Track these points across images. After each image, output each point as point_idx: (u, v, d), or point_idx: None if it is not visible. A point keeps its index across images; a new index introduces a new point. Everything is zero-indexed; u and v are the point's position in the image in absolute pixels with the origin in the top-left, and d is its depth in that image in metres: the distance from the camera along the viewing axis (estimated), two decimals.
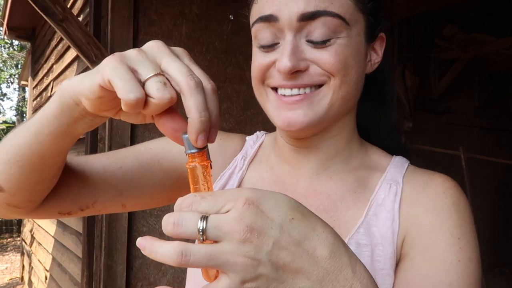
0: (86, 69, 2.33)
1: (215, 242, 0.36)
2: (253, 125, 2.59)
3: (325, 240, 0.38)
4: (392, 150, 0.66)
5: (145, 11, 2.30)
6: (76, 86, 0.43)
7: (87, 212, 0.64)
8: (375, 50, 0.62)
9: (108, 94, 0.41)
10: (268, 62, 0.56)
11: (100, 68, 0.41)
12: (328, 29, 0.54)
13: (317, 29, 0.54)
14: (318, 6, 0.53)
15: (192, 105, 0.38)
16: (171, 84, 0.39)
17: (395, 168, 0.62)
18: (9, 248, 7.97)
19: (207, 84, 0.40)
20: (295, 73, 0.54)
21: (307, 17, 0.53)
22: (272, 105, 0.58)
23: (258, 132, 0.73)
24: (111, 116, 0.46)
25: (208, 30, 2.49)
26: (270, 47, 0.56)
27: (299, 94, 0.55)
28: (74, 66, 2.80)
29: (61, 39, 3.18)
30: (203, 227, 0.35)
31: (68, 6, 2.51)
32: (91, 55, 2.06)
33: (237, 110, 2.57)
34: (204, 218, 0.36)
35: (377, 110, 0.68)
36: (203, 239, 0.36)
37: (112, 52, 2.17)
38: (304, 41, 0.55)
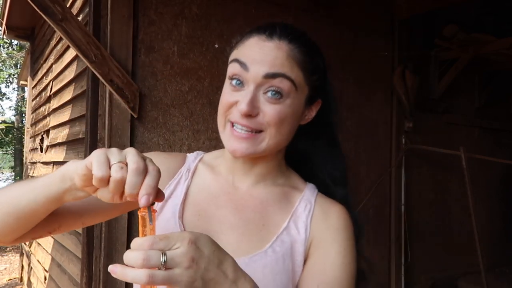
0: (86, 68, 2.32)
1: (170, 268, 0.54)
2: None
3: (231, 263, 0.61)
4: (334, 179, 0.89)
5: (144, 11, 2.29)
6: (73, 166, 0.63)
7: (53, 233, 0.80)
8: (311, 109, 0.83)
9: (90, 173, 0.60)
10: (232, 101, 0.76)
11: (90, 157, 0.61)
12: (282, 87, 0.74)
13: (275, 85, 0.73)
14: (279, 69, 0.74)
15: (129, 187, 0.59)
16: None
17: (309, 191, 0.86)
18: (8, 249, 7.96)
19: (153, 168, 0.61)
20: (248, 116, 0.74)
21: (269, 76, 0.73)
22: (226, 134, 0.78)
23: (197, 151, 0.93)
24: (91, 193, 0.65)
25: (208, 30, 2.48)
26: (237, 86, 0.76)
27: (246, 132, 0.75)
28: (74, 66, 2.80)
29: (61, 39, 3.17)
30: (164, 260, 0.54)
31: (68, 5, 2.50)
32: (91, 54, 2.05)
33: None
34: (164, 254, 0.54)
35: (326, 146, 0.91)
36: (164, 268, 0.54)
37: (111, 52, 2.16)
38: (262, 93, 0.74)
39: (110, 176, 0.59)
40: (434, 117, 3.70)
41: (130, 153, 0.61)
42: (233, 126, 0.77)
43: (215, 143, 2.43)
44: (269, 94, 0.74)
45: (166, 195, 0.80)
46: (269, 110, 0.74)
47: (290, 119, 0.77)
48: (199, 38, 2.45)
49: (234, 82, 0.76)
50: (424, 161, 3.63)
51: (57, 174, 0.66)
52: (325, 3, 2.96)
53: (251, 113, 0.73)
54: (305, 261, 0.80)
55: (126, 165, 0.60)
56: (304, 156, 0.91)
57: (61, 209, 0.76)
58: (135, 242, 0.56)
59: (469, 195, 3.22)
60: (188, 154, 0.91)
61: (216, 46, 2.49)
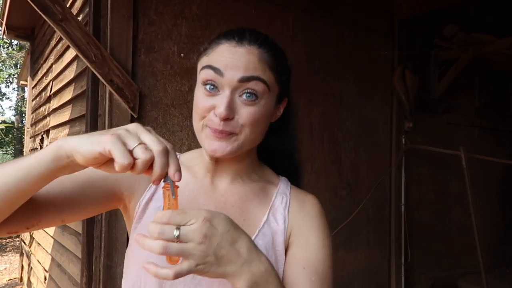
0: (86, 68, 2.32)
1: (183, 242, 0.60)
2: None
3: (246, 242, 0.66)
4: (291, 171, 0.96)
5: (145, 11, 2.29)
6: (76, 146, 0.62)
7: (32, 229, 0.77)
8: (279, 108, 0.88)
9: (102, 158, 0.62)
10: (209, 105, 0.79)
11: (101, 141, 0.61)
12: (257, 89, 0.77)
13: (250, 87, 0.76)
14: (253, 73, 0.77)
15: (158, 166, 0.62)
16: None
17: (283, 185, 0.92)
18: (8, 249, 7.96)
19: (170, 146, 0.64)
20: (226, 119, 0.77)
21: (244, 80, 0.76)
22: (204, 136, 0.80)
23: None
24: (96, 168, 0.65)
25: (208, 30, 2.48)
26: (212, 91, 0.78)
27: (225, 132, 0.78)
28: (74, 66, 2.80)
29: (61, 39, 3.17)
30: (177, 234, 0.60)
31: (68, 5, 2.50)
32: (91, 54, 2.05)
33: None
34: (178, 228, 0.60)
35: (282, 140, 0.96)
36: (178, 242, 0.60)
37: (111, 52, 2.16)
38: (238, 96, 0.77)
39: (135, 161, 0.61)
40: (434, 117, 3.70)
41: (143, 133, 0.63)
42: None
43: None
44: (244, 96, 0.77)
45: (147, 197, 0.85)
46: (244, 113, 0.77)
47: (263, 118, 0.81)
48: (199, 38, 2.45)
49: (208, 87, 0.78)
50: (424, 161, 3.63)
51: (47, 153, 0.64)
52: (325, 3, 2.96)
53: (229, 116, 0.76)
54: (286, 250, 0.86)
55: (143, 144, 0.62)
56: (273, 150, 0.96)
57: (42, 203, 0.75)
58: (156, 215, 0.61)
59: (469, 195, 3.22)
60: None
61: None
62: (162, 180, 0.64)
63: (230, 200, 0.87)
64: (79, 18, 2.49)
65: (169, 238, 0.59)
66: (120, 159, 0.59)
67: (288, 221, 0.86)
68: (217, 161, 0.87)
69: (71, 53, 2.82)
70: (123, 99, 2.16)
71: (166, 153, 0.62)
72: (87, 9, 2.34)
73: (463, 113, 3.99)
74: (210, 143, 0.79)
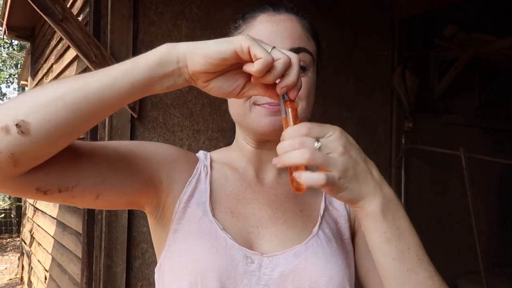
0: (86, 69, 2.32)
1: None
2: None
3: (373, 164, 0.62)
4: None
5: (145, 11, 2.30)
6: (194, 48, 0.57)
7: (62, 195, 0.62)
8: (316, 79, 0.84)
9: (231, 59, 0.56)
10: None
11: (235, 41, 0.56)
12: (305, 61, 0.73)
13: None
14: (300, 44, 0.73)
15: (294, 73, 0.57)
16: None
17: None
18: (8, 248, 7.97)
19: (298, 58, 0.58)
20: None
21: (294, 50, 0.69)
22: (256, 115, 0.72)
23: (202, 151, 0.86)
24: (202, 81, 0.59)
25: (208, 30, 2.48)
26: None
27: (279, 106, 0.69)
28: (74, 66, 2.80)
29: (61, 39, 3.17)
30: (319, 146, 0.55)
31: (68, 6, 2.51)
32: (91, 55, 2.05)
33: None
34: (318, 140, 0.56)
35: None
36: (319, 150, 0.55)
37: (111, 52, 2.17)
38: None
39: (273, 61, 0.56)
40: (434, 117, 3.70)
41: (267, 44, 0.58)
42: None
43: (215, 143, 2.43)
44: None
45: (187, 194, 0.75)
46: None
47: (313, 90, 0.77)
48: (199, 38, 2.43)
49: None
50: (424, 161, 3.63)
51: (152, 56, 0.57)
52: (325, 3, 2.96)
53: None
54: (352, 237, 0.80)
55: None
56: None
57: (86, 162, 0.64)
58: (289, 130, 0.57)
59: (469, 195, 3.22)
60: (197, 154, 0.85)
61: None
62: (284, 94, 0.59)
63: (281, 191, 0.80)
64: (80, 18, 2.49)
65: (311, 149, 0.54)
66: (264, 54, 0.54)
67: (348, 206, 0.78)
68: (266, 152, 0.79)
69: (72, 53, 2.82)
70: None
71: (298, 64, 0.58)
72: (87, 9, 2.34)
73: (463, 113, 3.99)
74: (266, 119, 0.71)
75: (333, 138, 0.57)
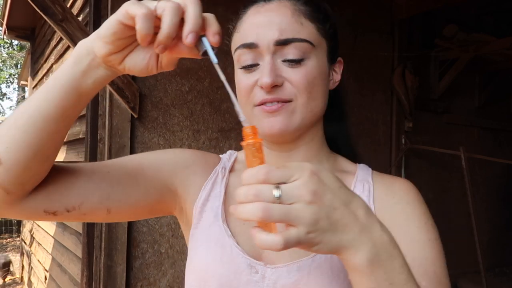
0: None
1: (287, 204, 0.45)
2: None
3: (362, 203, 0.50)
4: (350, 159, 0.80)
5: None
6: (95, 34, 0.54)
7: (73, 214, 0.65)
8: (335, 71, 0.79)
9: (122, 31, 0.52)
10: (251, 82, 0.68)
11: (118, 11, 0.53)
12: (299, 51, 0.66)
13: (291, 52, 0.66)
14: (289, 34, 0.66)
15: (192, 11, 0.52)
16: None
17: (362, 171, 0.76)
18: (8, 248, 7.97)
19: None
20: (274, 87, 0.66)
21: (281, 43, 0.66)
22: (257, 117, 0.68)
23: (230, 151, 0.84)
24: (117, 63, 0.55)
25: None
26: (251, 68, 0.68)
27: (277, 104, 0.67)
28: None
29: (61, 39, 3.18)
30: (279, 194, 0.45)
31: (68, 6, 2.50)
32: None
33: None
34: (278, 187, 0.45)
35: (336, 123, 0.83)
36: (278, 203, 0.45)
37: None
38: (280, 62, 0.67)
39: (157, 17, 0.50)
40: (434, 117, 3.70)
41: None
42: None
43: (215, 143, 2.43)
44: (289, 59, 0.67)
45: (203, 198, 0.74)
46: (294, 75, 0.66)
47: (318, 81, 0.69)
48: None
49: (245, 63, 0.69)
50: (424, 161, 3.63)
51: (67, 62, 0.57)
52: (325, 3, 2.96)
53: (276, 82, 0.65)
54: None
55: None
56: (342, 133, 0.82)
57: (86, 181, 0.66)
58: (246, 175, 0.47)
59: (469, 195, 3.22)
60: (221, 155, 0.83)
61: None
62: (199, 47, 0.52)
63: None
64: (80, 18, 2.49)
65: (268, 201, 0.45)
66: (138, 10, 0.50)
67: (375, 211, 0.70)
68: (281, 151, 0.74)
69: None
70: (123, 99, 2.16)
71: (199, 4, 0.52)
72: (88, 9, 2.34)
73: (463, 113, 4.00)
74: (265, 121, 0.67)
75: (300, 183, 0.46)
